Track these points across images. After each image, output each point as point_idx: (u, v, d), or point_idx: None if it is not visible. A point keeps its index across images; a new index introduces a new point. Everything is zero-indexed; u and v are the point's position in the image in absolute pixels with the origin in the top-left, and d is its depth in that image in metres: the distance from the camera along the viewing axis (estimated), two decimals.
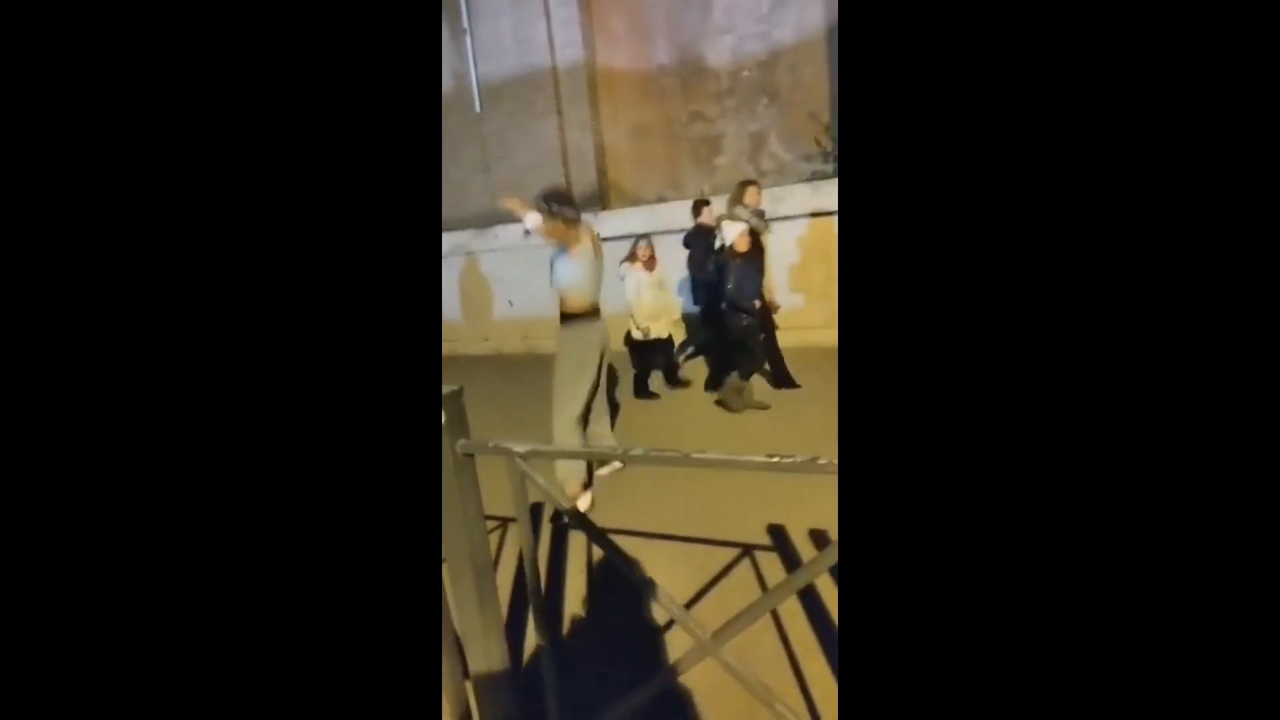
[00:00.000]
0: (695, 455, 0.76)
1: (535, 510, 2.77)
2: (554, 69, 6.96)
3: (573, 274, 2.60)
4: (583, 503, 2.71)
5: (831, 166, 5.97)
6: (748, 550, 2.25)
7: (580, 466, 2.68)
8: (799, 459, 0.71)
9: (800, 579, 0.78)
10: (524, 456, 0.88)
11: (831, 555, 0.73)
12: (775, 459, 0.72)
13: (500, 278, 7.39)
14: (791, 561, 2.17)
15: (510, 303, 7.41)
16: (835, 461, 0.69)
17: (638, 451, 0.79)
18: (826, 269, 5.68)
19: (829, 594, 1.89)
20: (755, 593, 2.01)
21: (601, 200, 7.12)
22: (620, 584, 2.10)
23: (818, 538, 2.29)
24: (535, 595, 0.95)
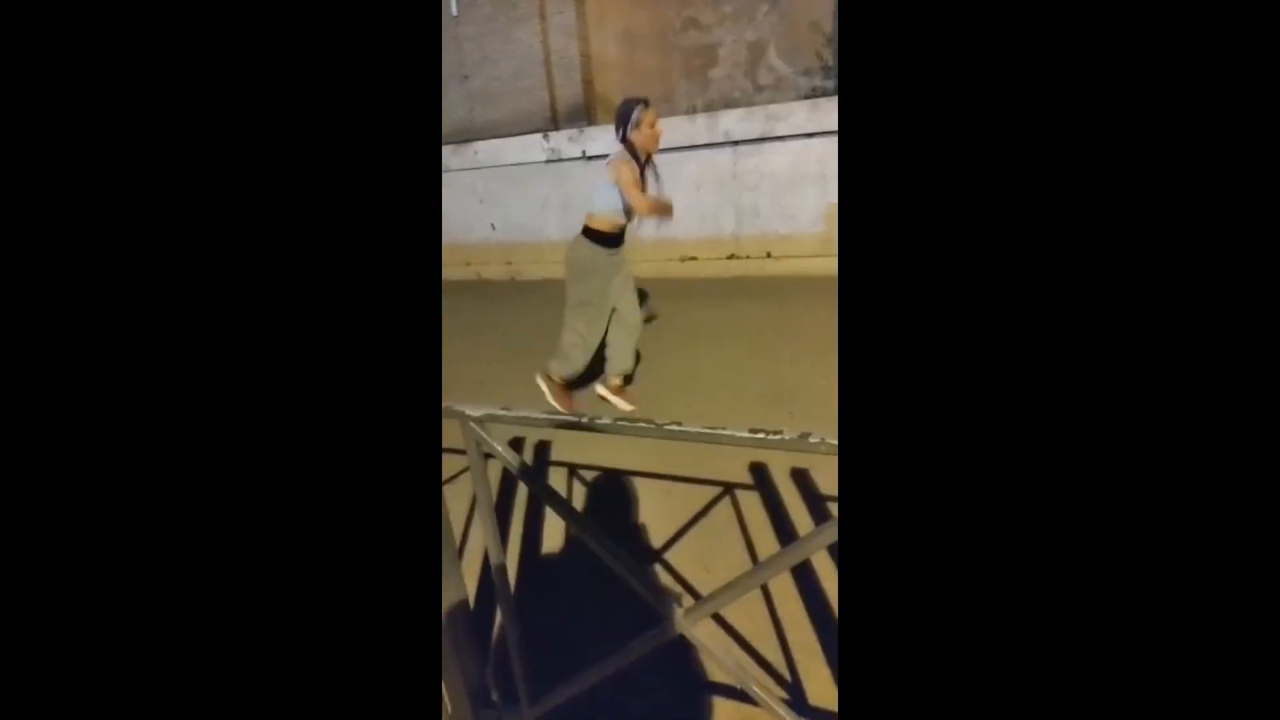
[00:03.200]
0: (669, 427, 0.66)
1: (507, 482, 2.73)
2: None
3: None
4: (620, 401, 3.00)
5: (832, 83, 5.60)
6: (729, 489, 2.23)
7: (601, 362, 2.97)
8: (788, 435, 0.61)
9: (793, 555, 0.71)
10: (479, 421, 0.79)
11: (827, 534, 0.66)
12: (761, 434, 0.63)
13: (482, 198, 7.05)
14: (772, 500, 2.15)
15: (493, 226, 7.11)
16: (827, 440, 0.60)
17: (605, 421, 0.70)
18: (820, 193, 5.46)
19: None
20: (735, 532, 2.00)
21: (588, 114, 6.70)
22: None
23: (799, 477, 2.27)
24: (499, 569, 0.88)
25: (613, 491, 2.31)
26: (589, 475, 2.42)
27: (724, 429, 0.64)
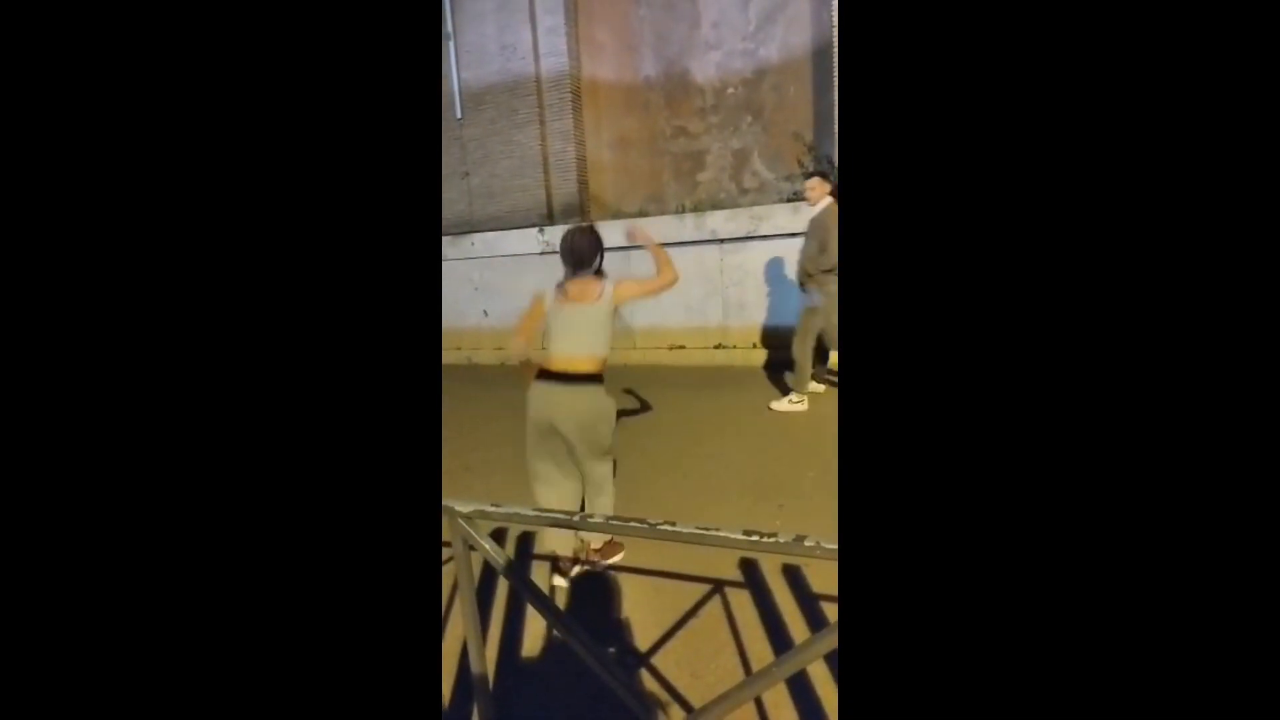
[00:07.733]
0: (662, 527, 0.66)
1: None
2: (538, 77, 6.88)
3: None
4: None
5: None
6: (719, 586, 2.16)
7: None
8: (783, 538, 0.61)
9: (790, 665, 0.68)
10: (467, 518, 0.78)
11: (825, 642, 0.64)
12: (756, 536, 0.62)
13: (477, 286, 7.23)
14: (763, 599, 2.08)
15: (485, 312, 7.25)
16: (823, 544, 0.60)
17: (596, 519, 0.69)
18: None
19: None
20: (726, 633, 1.91)
21: (581, 211, 7.03)
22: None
23: (790, 574, 2.20)
24: (479, 672, 0.84)
25: (598, 588, 2.22)
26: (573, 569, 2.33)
27: (717, 530, 0.64)
